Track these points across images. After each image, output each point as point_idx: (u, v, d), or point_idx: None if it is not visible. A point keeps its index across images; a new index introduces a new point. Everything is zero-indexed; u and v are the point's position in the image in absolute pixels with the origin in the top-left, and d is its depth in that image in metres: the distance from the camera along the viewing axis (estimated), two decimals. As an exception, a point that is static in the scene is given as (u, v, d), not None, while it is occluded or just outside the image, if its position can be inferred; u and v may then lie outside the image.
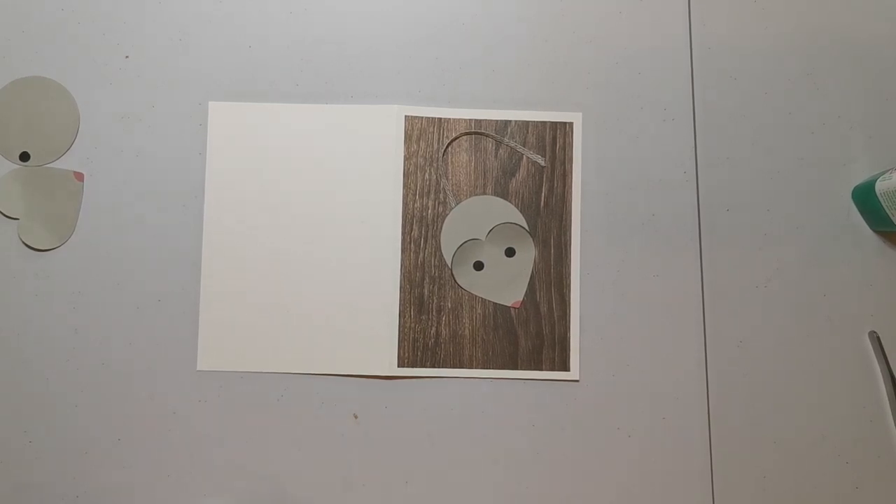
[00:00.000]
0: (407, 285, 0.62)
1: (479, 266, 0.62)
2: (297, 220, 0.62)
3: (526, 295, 0.62)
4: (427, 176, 0.63)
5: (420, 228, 0.62)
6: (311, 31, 0.64)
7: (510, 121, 0.63)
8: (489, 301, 0.62)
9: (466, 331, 0.61)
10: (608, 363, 0.62)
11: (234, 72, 0.63)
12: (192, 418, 0.61)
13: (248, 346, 0.61)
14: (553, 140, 0.63)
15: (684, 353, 0.62)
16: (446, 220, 0.62)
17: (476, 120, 0.63)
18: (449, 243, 0.62)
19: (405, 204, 0.62)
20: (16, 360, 0.61)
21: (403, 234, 0.62)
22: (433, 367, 0.61)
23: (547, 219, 0.62)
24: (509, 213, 0.63)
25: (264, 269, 0.62)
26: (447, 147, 0.63)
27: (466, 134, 0.63)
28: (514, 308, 0.62)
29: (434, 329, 0.61)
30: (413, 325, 0.61)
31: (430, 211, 0.62)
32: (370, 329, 0.61)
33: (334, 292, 0.62)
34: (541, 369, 0.61)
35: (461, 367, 0.61)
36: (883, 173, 0.58)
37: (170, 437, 0.61)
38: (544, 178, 0.63)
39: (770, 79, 0.64)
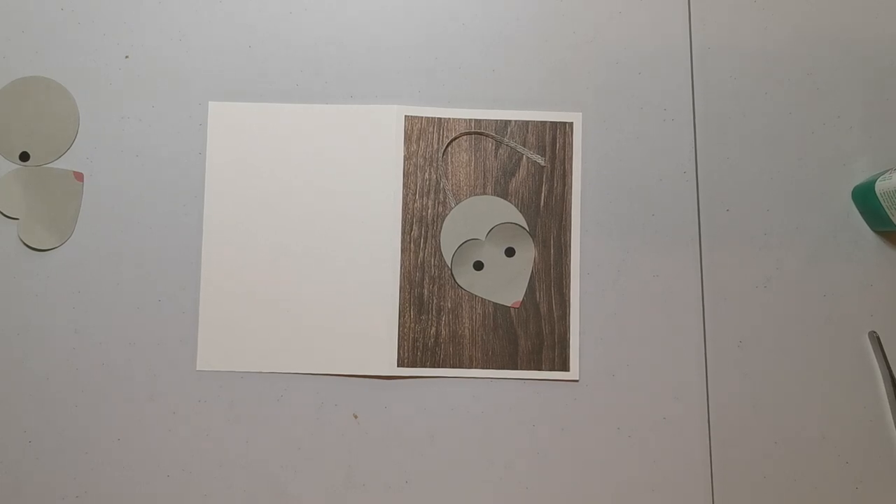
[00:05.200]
0: (407, 285, 0.62)
1: (478, 266, 0.62)
2: (297, 220, 0.62)
3: (526, 295, 0.62)
4: (427, 176, 0.63)
5: (420, 228, 0.62)
6: (311, 31, 0.64)
7: (510, 121, 0.63)
8: (489, 301, 0.62)
9: (466, 331, 0.62)
10: (608, 363, 0.62)
11: (234, 72, 0.63)
12: (192, 418, 0.61)
13: (248, 345, 0.61)
14: (553, 140, 0.63)
15: (684, 353, 0.62)
16: (446, 220, 0.62)
17: (476, 120, 0.63)
18: (449, 243, 0.62)
19: (405, 204, 0.62)
20: (16, 360, 0.61)
21: (403, 234, 0.62)
22: (433, 367, 0.61)
23: (547, 219, 0.62)
24: (509, 212, 0.63)
25: (264, 269, 0.62)
26: (447, 147, 0.63)
27: (466, 134, 0.63)
28: (514, 308, 0.62)
29: (434, 329, 0.61)
30: (413, 325, 0.61)
31: (429, 211, 0.62)
32: (370, 329, 0.61)
33: (334, 292, 0.62)
34: (541, 369, 0.61)
35: (461, 367, 0.61)
36: (883, 173, 0.58)
37: (170, 437, 0.61)
38: (544, 178, 0.63)
39: (770, 79, 0.64)
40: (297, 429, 0.61)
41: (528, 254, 0.62)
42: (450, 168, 0.63)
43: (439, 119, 0.63)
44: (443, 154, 0.63)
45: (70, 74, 0.63)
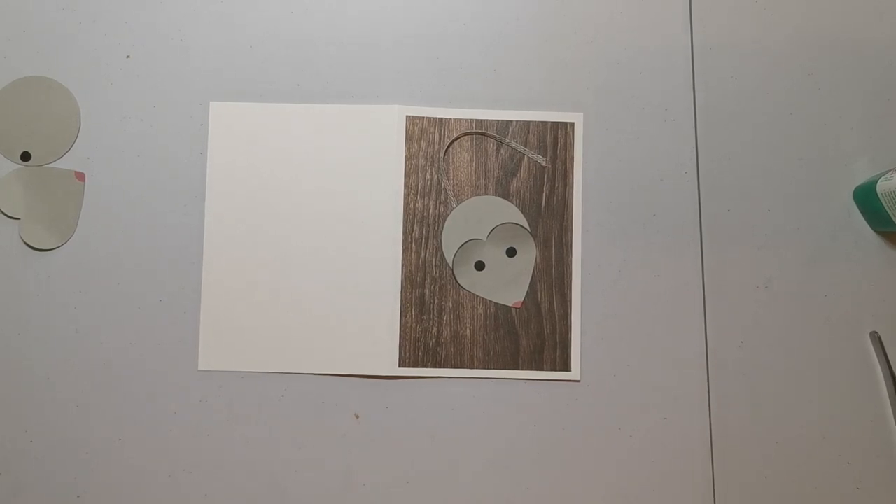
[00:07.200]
0: (408, 285, 0.62)
1: (480, 266, 0.62)
2: (298, 220, 0.62)
3: (527, 295, 0.62)
4: (428, 176, 0.63)
5: (421, 228, 0.62)
6: (311, 31, 0.64)
7: (511, 121, 0.63)
8: (490, 301, 0.62)
9: (467, 331, 0.61)
10: (609, 363, 0.62)
11: (235, 72, 0.63)
12: (192, 418, 0.61)
13: (249, 345, 0.61)
14: (554, 140, 0.63)
15: (685, 354, 0.62)
16: (447, 221, 0.62)
17: (477, 120, 0.63)
18: (450, 243, 0.62)
19: (406, 204, 0.62)
20: (16, 360, 0.61)
21: (405, 234, 0.62)
22: (434, 367, 0.61)
23: (548, 219, 0.62)
24: (510, 213, 0.63)
25: (265, 269, 0.62)
26: (448, 147, 0.63)
27: (467, 134, 0.63)
28: (516, 308, 0.62)
29: (435, 329, 0.61)
30: (414, 325, 0.61)
31: (431, 211, 0.62)
32: (371, 329, 0.61)
33: (335, 292, 0.62)
34: (542, 369, 0.61)
35: (462, 367, 0.61)
36: (884, 173, 0.58)
37: (170, 437, 0.61)
38: (545, 178, 0.63)
39: (770, 79, 0.64)
40: (297, 429, 0.61)
41: (529, 254, 0.62)
42: (451, 168, 0.63)
43: (440, 119, 0.63)
44: (444, 154, 0.63)
45: (71, 74, 0.63)
